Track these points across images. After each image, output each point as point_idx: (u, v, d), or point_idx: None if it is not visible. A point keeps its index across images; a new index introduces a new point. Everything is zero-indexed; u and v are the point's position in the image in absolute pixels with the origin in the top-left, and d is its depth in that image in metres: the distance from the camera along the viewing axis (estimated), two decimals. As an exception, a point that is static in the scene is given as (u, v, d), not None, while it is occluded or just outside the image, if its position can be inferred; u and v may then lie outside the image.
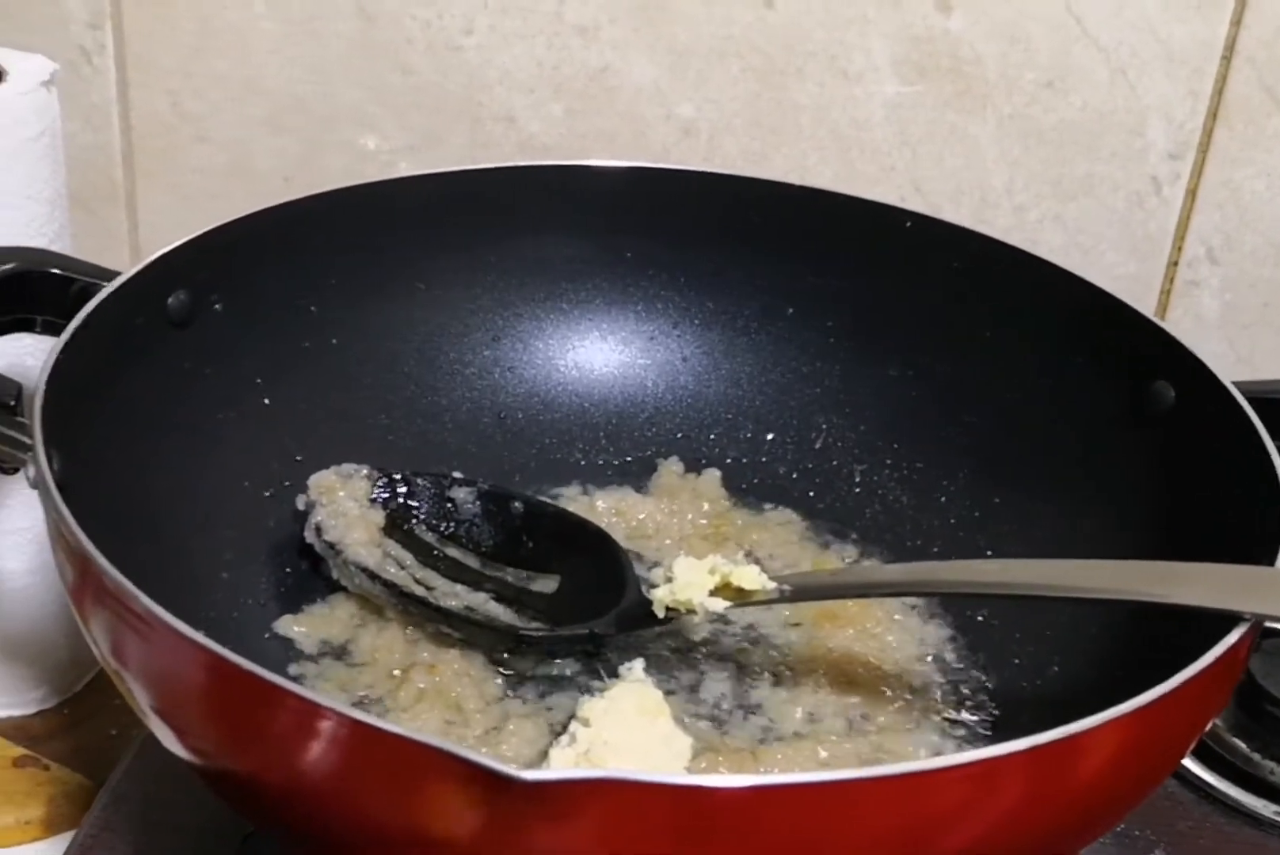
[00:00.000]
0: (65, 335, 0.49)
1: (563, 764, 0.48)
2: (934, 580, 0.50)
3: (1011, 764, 0.38)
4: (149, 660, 0.41)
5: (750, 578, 0.51)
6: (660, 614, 0.53)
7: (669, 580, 0.52)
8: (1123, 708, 0.39)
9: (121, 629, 0.41)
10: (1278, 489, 0.48)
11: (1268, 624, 0.43)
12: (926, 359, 0.64)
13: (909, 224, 0.63)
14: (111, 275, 0.53)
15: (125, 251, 0.79)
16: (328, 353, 0.62)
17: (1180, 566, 0.45)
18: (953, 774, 0.37)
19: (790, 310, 0.66)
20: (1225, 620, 0.42)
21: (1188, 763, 0.60)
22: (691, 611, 0.52)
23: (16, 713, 0.67)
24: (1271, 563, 0.45)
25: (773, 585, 0.51)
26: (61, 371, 0.48)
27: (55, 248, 0.63)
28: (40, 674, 0.67)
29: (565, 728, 0.50)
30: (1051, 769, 0.39)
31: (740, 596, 0.52)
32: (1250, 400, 0.53)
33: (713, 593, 0.52)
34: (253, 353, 0.59)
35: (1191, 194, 0.73)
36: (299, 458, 0.59)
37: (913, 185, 0.74)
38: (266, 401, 0.59)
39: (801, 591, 0.51)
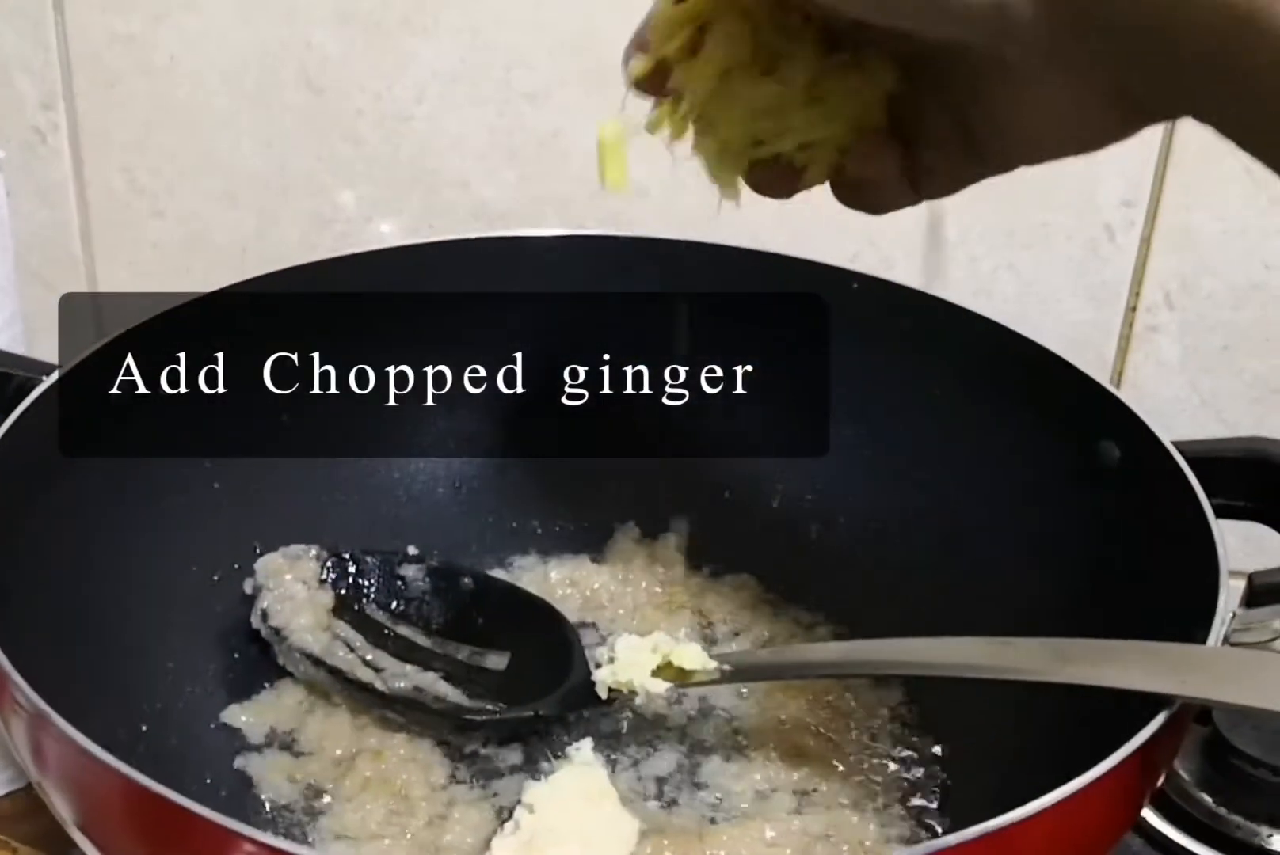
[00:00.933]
0: (-1, 432, 0.50)
1: (505, 852, 0.47)
2: (870, 661, 0.50)
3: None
4: (68, 779, 0.41)
5: (691, 658, 0.51)
6: (604, 695, 0.53)
7: (611, 660, 0.52)
8: (1048, 799, 0.38)
9: (40, 748, 0.41)
10: (1213, 554, 0.48)
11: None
12: (879, 419, 0.64)
13: (855, 285, 0.63)
14: (49, 369, 0.54)
15: (89, 327, 0.80)
16: (278, 431, 0.62)
17: (1110, 645, 0.45)
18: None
19: (744, 369, 0.66)
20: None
21: (1153, 820, 0.60)
22: (633, 692, 0.52)
23: (-15, 795, 0.67)
24: (1205, 638, 0.44)
25: (714, 665, 0.51)
26: (-3, 470, 0.49)
27: (6, 334, 0.64)
28: (8, 755, 0.67)
29: (511, 813, 0.50)
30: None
31: (681, 676, 0.52)
32: (1200, 459, 0.53)
33: (655, 672, 0.52)
34: (199, 437, 0.59)
35: (1146, 240, 0.73)
36: (249, 539, 0.59)
37: (866, 239, 0.74)
38: (216, 485, 0.59)
39: (741, 672, 0.51)
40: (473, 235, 0.66)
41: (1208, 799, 0.60)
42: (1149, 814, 0.60)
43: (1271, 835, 0.58)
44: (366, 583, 0.59)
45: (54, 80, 0.74)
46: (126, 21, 0.73)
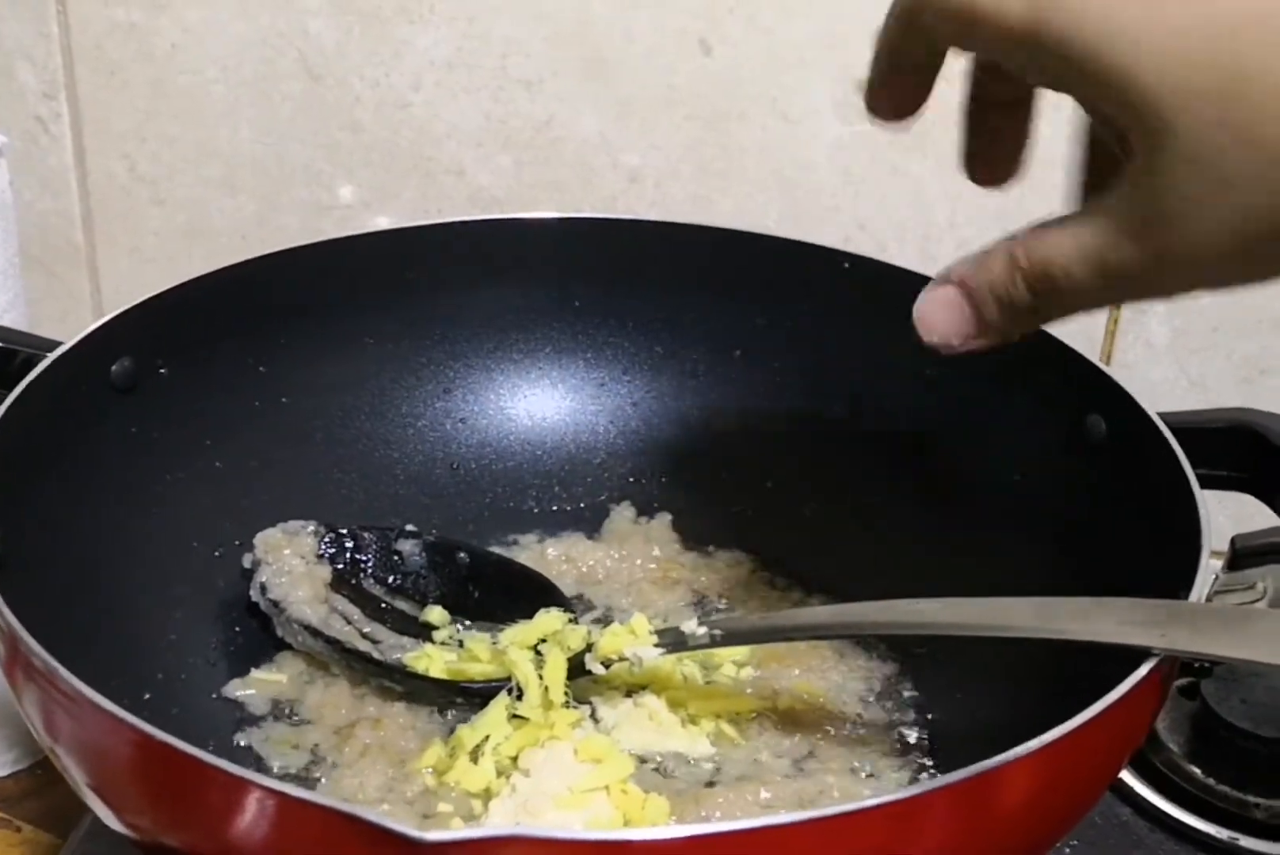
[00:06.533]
0: (2, 407, 0.50)
1: (502, 817, 0.48)
2: (858, 622, 0.51)
3: (927, 802, 0.39)
4: (79, 738, 0.41)
5: (684, 623, 0.52)
6: (597, 670, 0.53)
7: (605, 625, 0.53)
8: (1030, 745, 0.39)
9: (51, 707, 0.41)
10: (1196, 521, 0.48)
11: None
12: (871, 398, 0.65)
13: (847, 265, 0.64)
14: (53, 345, 0.54)
15: (88, 314, 0.81)
16: (278, 411, 0.62)
17: (1093, 602, 0.46)
18: (874, 814, 0.38)
19: (738, 352, 0.67)
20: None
21: (1144, 792, 0.60)
22: (624, 659, 0.53)
23: (-11, 774, 0.68)
24: (1187, 597, 0.45)
25: (703, 630, 0.52)
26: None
27: (7, 317, 0.65)
28: (12, 735, 0.67)
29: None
30: (969, 805, 0.40)
31: (674, 642, 0.52)
32: (1184, 430, 0.54)
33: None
34: (201, 415, 0.59)
35: (1135, 223, 0.73)
36: (250, 516, 0.60)
37: (857, 224, 0.75)
38: (217, 464, 0.60)
39: (732, 636, 0.52)
40: (469, 218, 0.67)
41: (1197, 771, 0.60)
42: (1140, 787, 0.60)
43: (1259, 804, 0.59)
44: (364, 558, 0.60)
45: (56, 69, 0.75)
46: (127, 11, 0.74)
